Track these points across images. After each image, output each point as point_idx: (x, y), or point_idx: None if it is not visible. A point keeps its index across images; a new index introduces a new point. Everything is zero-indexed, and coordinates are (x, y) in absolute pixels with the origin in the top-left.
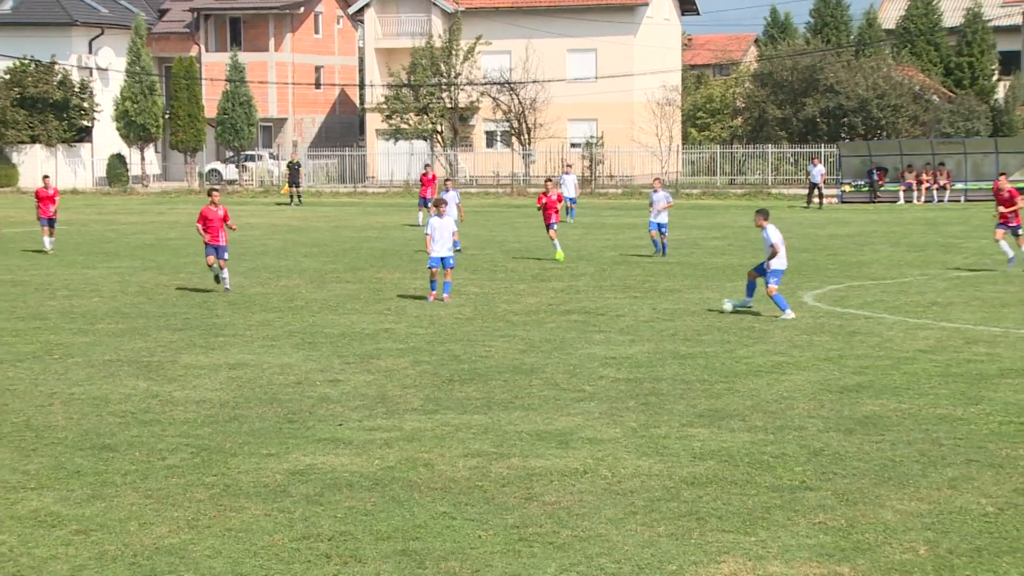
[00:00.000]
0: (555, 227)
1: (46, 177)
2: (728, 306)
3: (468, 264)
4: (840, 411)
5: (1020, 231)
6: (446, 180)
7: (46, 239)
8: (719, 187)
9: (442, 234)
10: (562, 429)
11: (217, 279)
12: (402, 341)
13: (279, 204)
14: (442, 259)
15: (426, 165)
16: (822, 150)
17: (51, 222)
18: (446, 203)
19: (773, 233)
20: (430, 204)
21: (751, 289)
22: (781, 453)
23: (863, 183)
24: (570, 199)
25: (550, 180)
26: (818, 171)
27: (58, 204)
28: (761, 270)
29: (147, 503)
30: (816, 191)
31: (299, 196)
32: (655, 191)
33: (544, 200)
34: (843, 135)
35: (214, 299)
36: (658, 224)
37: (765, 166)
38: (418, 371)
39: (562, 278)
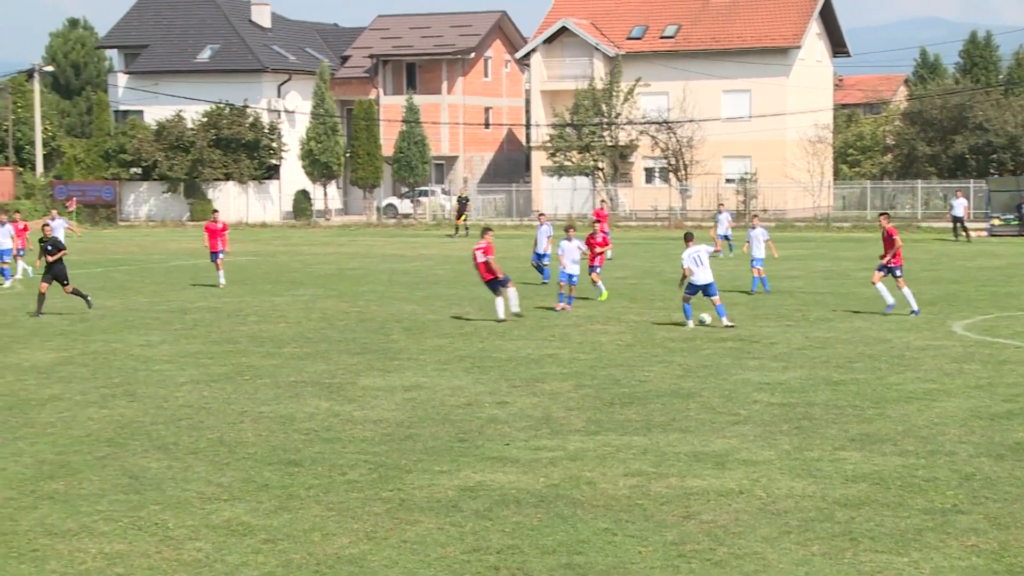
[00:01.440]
0: (598, 270)
1: (215, 212)
2: (707, 318)
3: (628, 293)
4: (991, 437)
5: (899, 273)
6: (540, 215)
7: (220, 272)
8: (869, 221)
9: (570, 254)
10: (718, 451)
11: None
12: (565, 366)
13: (448, 236)
14: (569, 275)
15: (602, 201)
16: (971, 185)
17: (216, 256)
18: (575, 228)
19: (685, 256)
20: (567, 229)
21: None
22: (932, 477)
23: (1012, 217)
24: (723, 235)
25: (597, 223)
26: (960, 204)
27: (227, 239)
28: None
29: (329, 515)
30: (960, 224)
31: (466, 228)
32: (753, 228)
33: (590, 241)
34: (992, 171)
35: (391, 325)
36: (757, 259)
37: (914, 200)
38: (581, 394)
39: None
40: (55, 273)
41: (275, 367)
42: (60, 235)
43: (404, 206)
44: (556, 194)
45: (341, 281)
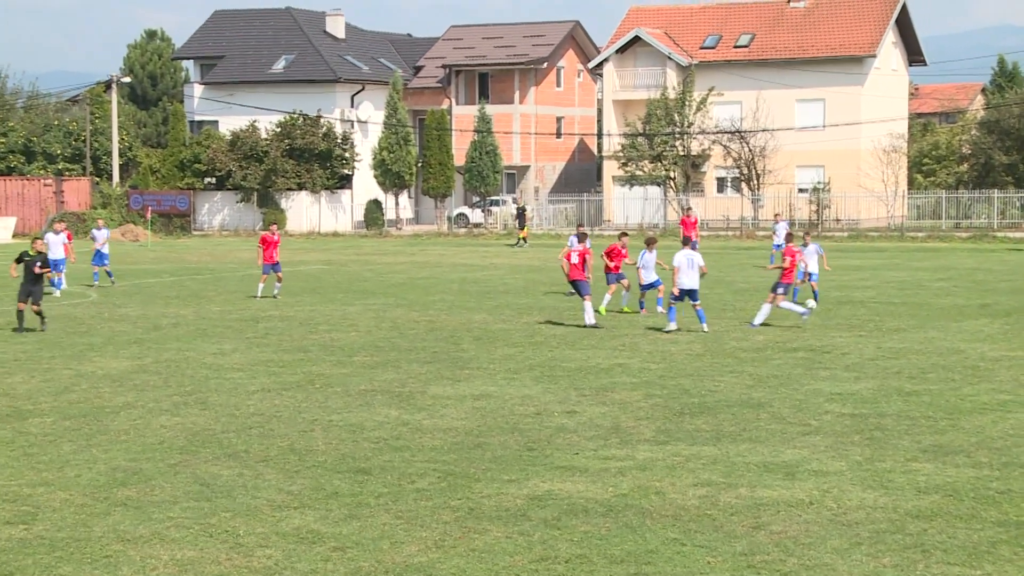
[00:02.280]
0: (618, 278)
1: (273, 224)
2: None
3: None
4: None
5: (781, 290)
6: (578, 226)
7: (261, 285)
8: (944, 231)
9: (650, 266)
10: (788, 461)
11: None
12: (635, 375)
13: (511, 246)
14: (650, 284)
15: (687, 209)
16: None
17: (276, 267)
18: (656, 241)
19: (679, 255)
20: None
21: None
22: (1007, 489)
23: None
24: (777, 245)
25: (625, 235)
26: None
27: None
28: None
29: (398, 523)
30: None
31: (524, 240)
32: (805, 245)
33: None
34: None
35: (460, 334)
36: (807, 273)
37: (991, 210)
38: (650, 404)
39: (789, 317)
40: (33, 290)
41: (345, 376)
42: (105, 246)
43: (475, 216)
44: (627, 203)
45: (412, 290)
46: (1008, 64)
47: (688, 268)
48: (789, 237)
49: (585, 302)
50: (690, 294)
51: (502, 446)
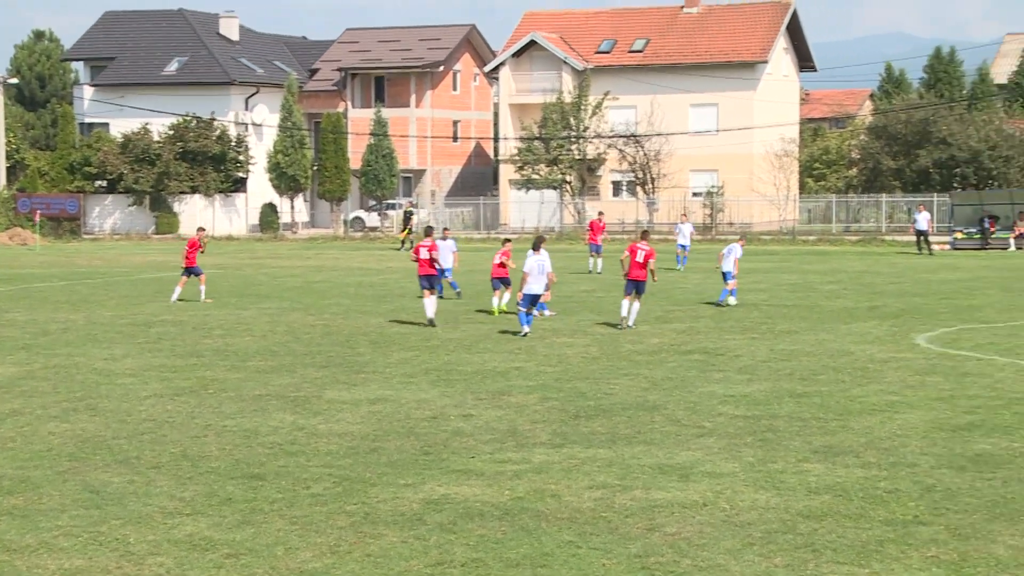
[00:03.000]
0: (500, 286)
1: (201, 229)
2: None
3: (594, 306)
4: (952, 449)
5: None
6: (444, 230)
7: (179, 288)
8: (834, 234)
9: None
10: (683, 463)
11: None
12: (531, 379)
13: (394, 249)
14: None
15: (599, 213)
16: (934, 199)
17: (194, 271)
18: (544, 239)
19: (530, 261)
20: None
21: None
22: (894, 488)
23: (975, 230)
24: (682, 245)
25: (508, 240)
26: (923, 218)
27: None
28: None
29: (293, 529)
30: (923, 238)
31: (411, 242)
32: (740, 246)
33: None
34: (955, 185)
35: (356, 338)
36: (726, 273)
37: (879, 214)
38: (546, 407)
39: (683, 320)
40: None
41: (240, 380)
42: None
43: (371, 219)
44: (524, 207)
45: (307, 294)
46: (895, 71)
47: (538, 274)
48: (644, 235)
49: (429, 297)
50: (533, 299)
51: (398, 450)
